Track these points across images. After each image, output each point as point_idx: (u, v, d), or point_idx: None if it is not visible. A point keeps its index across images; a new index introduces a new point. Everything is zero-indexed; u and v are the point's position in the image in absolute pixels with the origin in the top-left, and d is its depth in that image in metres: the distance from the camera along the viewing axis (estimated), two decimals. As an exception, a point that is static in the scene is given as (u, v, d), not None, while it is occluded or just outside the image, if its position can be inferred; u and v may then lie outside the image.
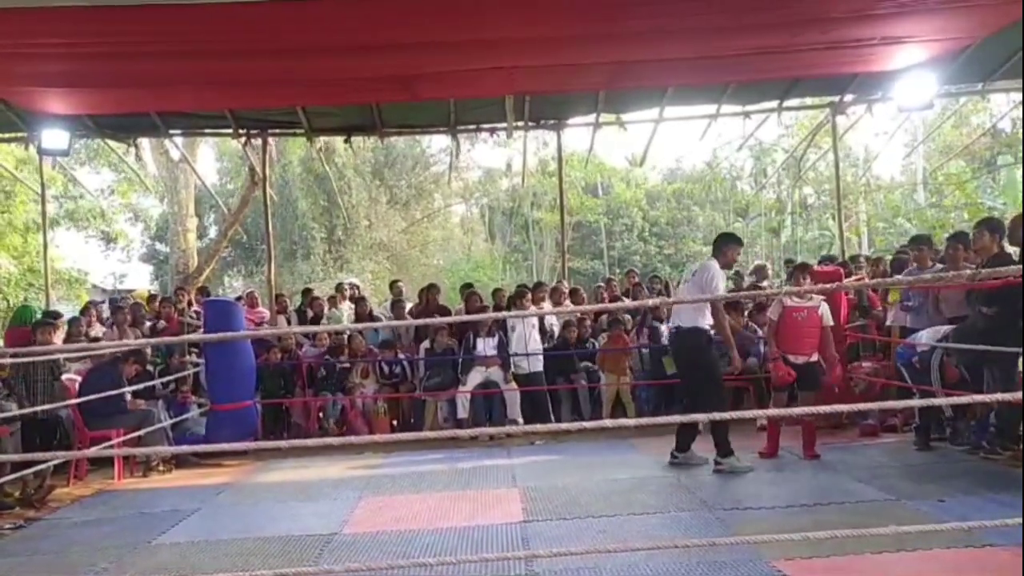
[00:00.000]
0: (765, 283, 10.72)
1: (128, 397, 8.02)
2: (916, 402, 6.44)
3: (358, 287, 12.20)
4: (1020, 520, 3.10)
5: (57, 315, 9.37)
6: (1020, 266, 5.48)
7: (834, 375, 6.87)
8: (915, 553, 4.11)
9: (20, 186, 16.33)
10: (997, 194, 21.33)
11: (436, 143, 27.79)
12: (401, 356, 9.76)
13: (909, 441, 7.14)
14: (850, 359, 8.17)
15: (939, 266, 7.35)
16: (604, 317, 9.71)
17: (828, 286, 7.34)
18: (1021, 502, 4.40)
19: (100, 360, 7.99)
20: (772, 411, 5.66)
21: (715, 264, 6.66)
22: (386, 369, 9.62)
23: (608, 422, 6.04)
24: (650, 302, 10.00)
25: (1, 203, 17.49)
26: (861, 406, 6.33)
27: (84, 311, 10.48)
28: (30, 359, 7.18)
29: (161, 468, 7.80)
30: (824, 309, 6.88)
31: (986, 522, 3.62)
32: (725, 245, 6.81)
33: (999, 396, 4.11)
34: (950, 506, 5.02)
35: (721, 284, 6.62)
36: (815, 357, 6.89)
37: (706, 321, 6.59)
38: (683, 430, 6.79)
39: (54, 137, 10.00)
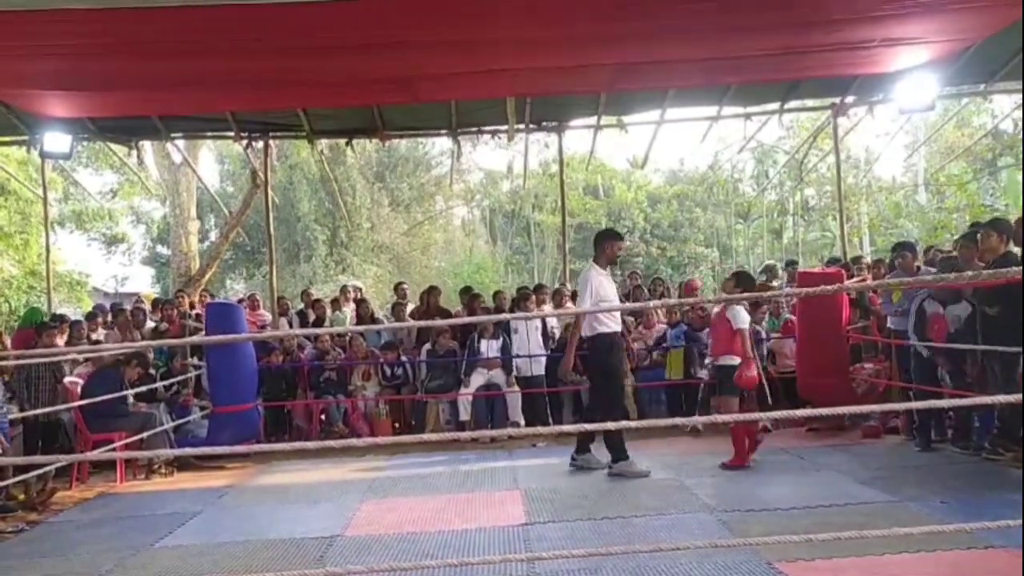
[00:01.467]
0: (776, 283, 10.69)
1: (131, 400, 8.04)
2: (918, 404, 6.43)
3: (360, 289, 12.19)
4: (1021, 522, 3.10)
5: (63, 318, 9.39)
6: (1022, 267, 5.47)
7: (742, 375, 6.61)
8: (917, 555, 4.10)
9: (23, 188, 16.34)
10: (999, 195, 21.31)
11: (438, 145, 27.86)
12: (404, 358, 9.76)
13: (911, 442, 7.15)
14: (852, 360, 8.17)
15: (932, 269, 7.35)
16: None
17: (813, 289, 7.34)
18: (1022, 503, 4.40)
19: (102, 364, 8.00)
20: (776, 413, 5.65)
21: (590, 271, 6.72)
22: (388, 371, 9.62)
23: (610, 424, 6.04)
24: (651, 304, 9.99)
25: (3, 205, 17.51)
26: (863, 408, 6.33)
27: (91, 315, 10.50)
28: (32, 362, 7.18)
29: (163, 471, 7.81)
30: (732, 312, 6.68)
31: (988, 523, 3.62)
32: (603, 243, 6.81)
33: (1002, 398, 4.10)
34: (952, 507, 5.02)
35: (587, 292, 6.56)
36: (728, 361, 6.70)
37: (602, 327, 6.57)
38: (606, 437, 6.77)
39: (56, 140, 10.02)
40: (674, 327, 9.32)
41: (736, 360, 6.67)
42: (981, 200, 20.69)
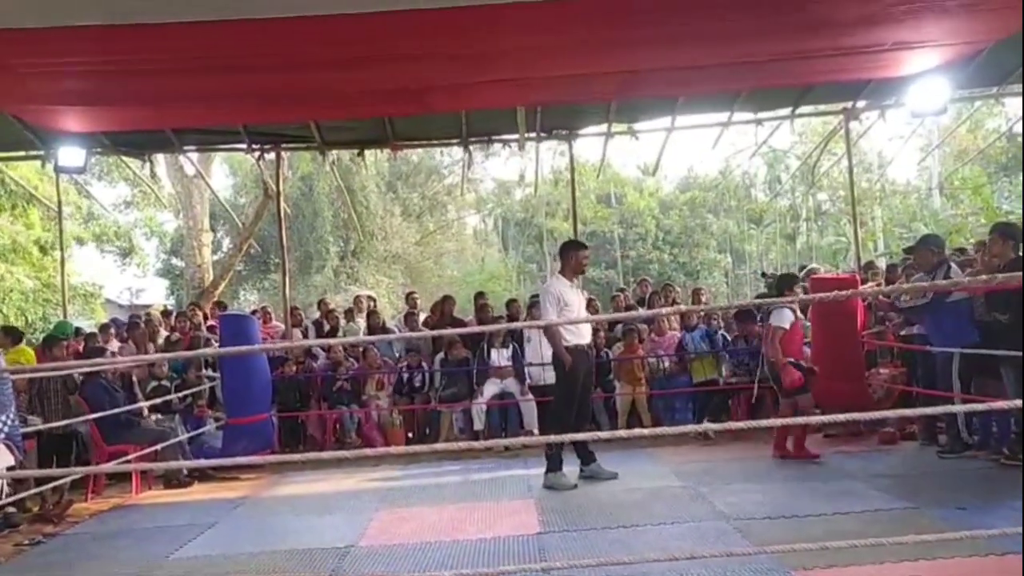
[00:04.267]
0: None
1: (145, 412, 8.08)
2: (934, 409, 6.37)
3: (374, 300, 12.18)
4: (1021, 526, 3.08)
5: (78, 331, 9.44)
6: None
7: (784, 377, 7.02)
8: (935, 562, 4.07)
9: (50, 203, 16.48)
10: (1015, 198, 21.17)
11: (449, 155, 27.94)
12: (423, 365, 9.76)
13: (929, 448, 7.11)
14: (868, 366, 8.11)
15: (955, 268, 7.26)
16: (619, 326, 9.70)
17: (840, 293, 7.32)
18: (1022, 508, 4.35)
19: (85, 378, 7.94)
20: (787, 420, 5.63)
21: (553, 281, 6.94)
22: (405, 378, 9.64)
23: (623, 432, 6.04)
24: (664, 311, 9.97)
25: (20, 219, 17.65)
26: (879, 414, 6.28)
27: (104, 327, 10.56)
28: (45, 375, 7.22)
29: (176, 482, 7.83)
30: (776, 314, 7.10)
31: (1007, 530, 3.58)
32: (567, 255, 6.93)
33: (1018, 403, 4.06)
34: (970, 513, 4.97)
35: (550, 303, 6.69)
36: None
37: (563, 341, 6.64)
38: (576, 445, 6.89)
39: (70, 155, 10.08)
40: (692, 331, 9.28)
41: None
42: (996, 203, 20.56)
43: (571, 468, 6.85)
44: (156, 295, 27.00)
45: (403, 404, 9.55)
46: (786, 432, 7.11)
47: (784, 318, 7.05)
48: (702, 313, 9.45)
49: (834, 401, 7.47)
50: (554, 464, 6.70)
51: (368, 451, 6.66)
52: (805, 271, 11.84)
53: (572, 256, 6.85)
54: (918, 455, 7.06)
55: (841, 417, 4.67)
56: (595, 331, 9.53)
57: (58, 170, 10.62)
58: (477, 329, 8.62)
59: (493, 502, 6.37)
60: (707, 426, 7.33)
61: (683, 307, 10.72)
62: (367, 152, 12.19)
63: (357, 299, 12.01)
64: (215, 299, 15.02)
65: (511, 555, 4.83)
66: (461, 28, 6.75)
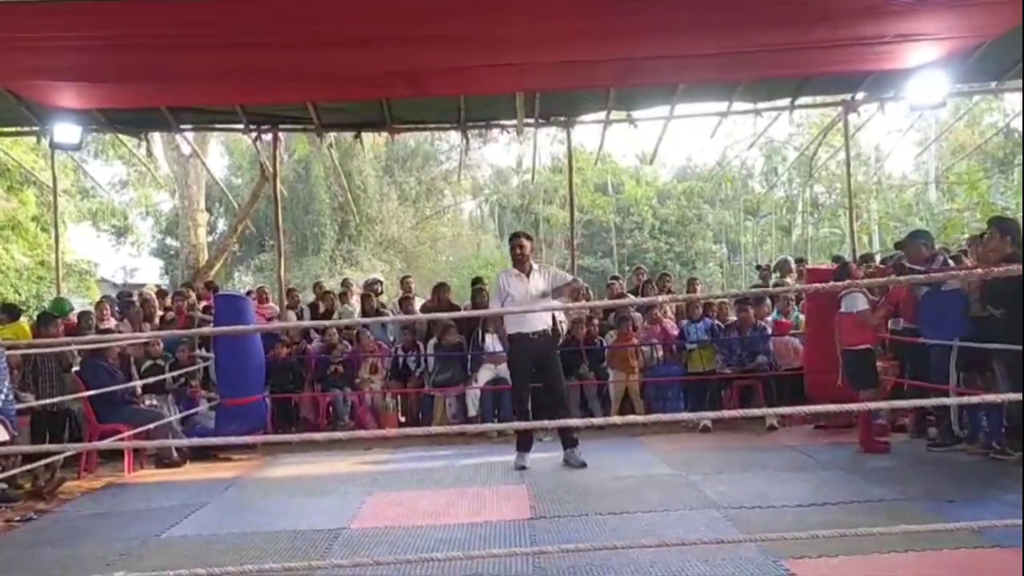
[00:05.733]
0: (790, 279, 10.62)
1: (138, 391, 8.06)
2: (927, 401, 6.41)
3: (380, 283, 12.04)
4: (1022, 521, 3.09)
5: (71, 308, 9.42)
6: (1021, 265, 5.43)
7: None
8: (924, 553, 4.09)
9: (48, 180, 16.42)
10: (1011, 194, 21.18)
11: (446, 140, 27.86)
12: (419, 345, 9.76)
13: (919, 440, 7.14)
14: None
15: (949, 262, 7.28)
16: (612, 314, 9.71)
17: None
18: (1022, 503, 4.38)
19: (85, 357, 7.95)
20: (780, 409, 5.64)
21: (499, 274, 7.48)
22: (400, 362, 9.64)
23: (617, 419, 6.06)
24: (659, 299, 9.98)
25: (17, 196, 17.58)
26: (871, 405, 6.31)
27: (99, 305, 10.53)
28: (37, 352, 7.22)
29: (168, 461, 7.82)
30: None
31: (995, 522, 3.60)
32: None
33: (1010, 396, 4.08)
34: (960, 506, 4.99)
35: (494, 293, 7.19)
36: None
37: (508, 329, 7.02)
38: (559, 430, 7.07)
39: (66, 131, 10.03)
40: (698, 322, 9.26)
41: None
42: (992, 199, 20.57)
43: (556, 454, 6.96)
44: (150, 275, 26.98)
45: (397, 388, 9.55)
46: (870, 424, 7.08)
47: (860, 302, 7.06)
48: (701, 304, 9.42)
49: (825, 393, 7.51)
50: (521, 446, 7.03)
51: (361, 433, 6.71)
52: (777, 262, 11.88)
53: (509, 246, 7.22)
54: (909, 447, 7.08)
55: (832, 408, 4.69)
56: (588, 319, 9.57)
57: (53, 146, 10.57)
58: (470, 313, 8.61)
59: (485, 487, 6.39)
60: (703, 415, 7.36)
61: (679, 296, 10.75)
62: (364, 135, 12.12)
63: (345, 282, 11.99)
64: (208, 279, 14.98)
65: (502, 539, 4.85)
66: (460, 12, 6.73)
